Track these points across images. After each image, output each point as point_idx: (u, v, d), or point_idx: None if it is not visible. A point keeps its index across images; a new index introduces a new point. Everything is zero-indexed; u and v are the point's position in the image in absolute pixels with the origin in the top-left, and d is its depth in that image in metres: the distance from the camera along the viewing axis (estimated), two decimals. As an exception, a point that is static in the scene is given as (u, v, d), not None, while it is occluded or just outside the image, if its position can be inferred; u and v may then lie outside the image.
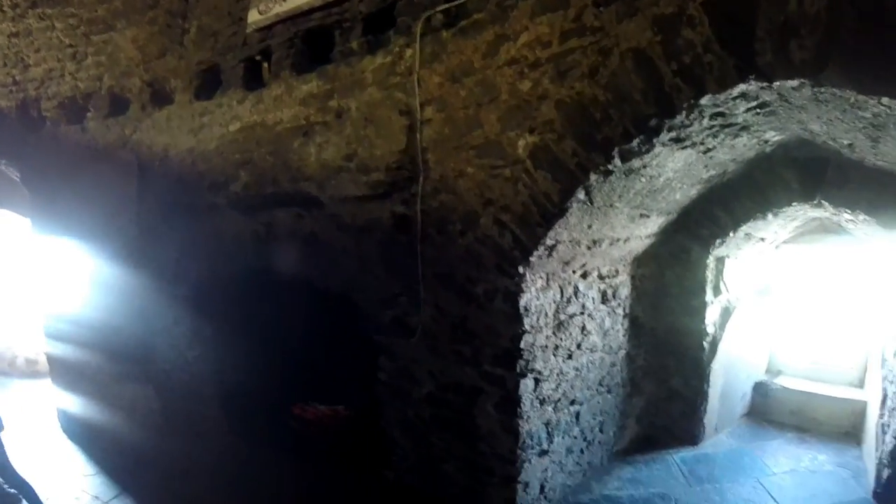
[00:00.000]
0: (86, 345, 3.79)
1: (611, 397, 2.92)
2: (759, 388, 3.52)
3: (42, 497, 2.70)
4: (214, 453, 3.28)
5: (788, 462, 2.99)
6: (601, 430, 2.87)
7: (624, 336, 2.95)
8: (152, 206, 3.41)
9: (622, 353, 2.95)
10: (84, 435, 3.85)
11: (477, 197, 2.19)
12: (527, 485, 2.36)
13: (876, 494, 2.50)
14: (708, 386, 3.05)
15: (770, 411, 3.47)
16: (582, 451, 2.74)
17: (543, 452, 2.44)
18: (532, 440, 2.35)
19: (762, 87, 1.45)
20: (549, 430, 2.46)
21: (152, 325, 3.52)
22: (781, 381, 3.53)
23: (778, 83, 1.38)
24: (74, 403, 3.96)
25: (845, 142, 1.71)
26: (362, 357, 2.84)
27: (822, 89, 1.28)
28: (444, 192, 2.30)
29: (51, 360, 4.13)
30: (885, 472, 2.35)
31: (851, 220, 2.36)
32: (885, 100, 1.17)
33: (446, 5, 2.17)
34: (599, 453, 2.90)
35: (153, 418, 3.58)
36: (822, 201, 2.31)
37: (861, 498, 2.58)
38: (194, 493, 2.97)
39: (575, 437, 2.67)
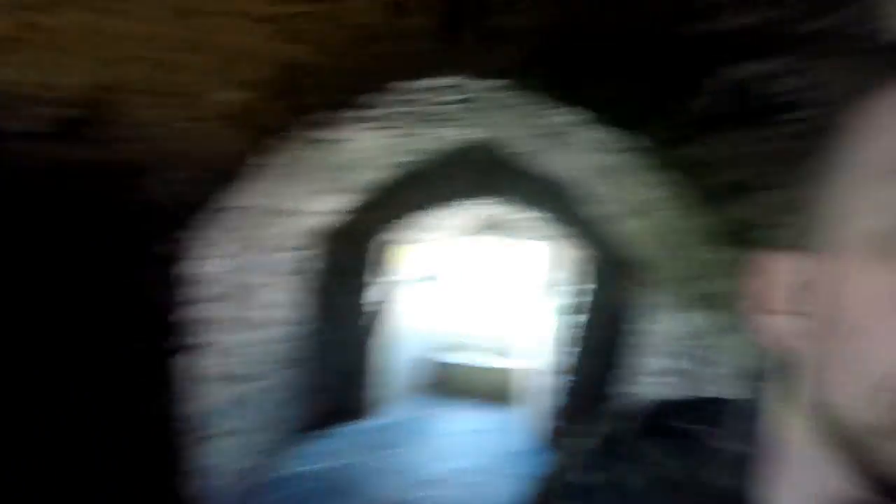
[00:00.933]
0: None
1: (291, 373, 2.88)
2: (427, 364, 4.13)
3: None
4: None
5: (458, 425, 3.58)
6: (284, 407, 2.79)
7: (302, 312, 2.98)
8: None
9: (296, 329, 2.97)
10: None
11: (167, 149, 1.86)
12: (212, 467, 2.16)
13: (532, 443, 3.07)
14: (381, 360, 3.36)
15: (439, 383, 4.11)
16: (266, 429, 2.61)
17: (226, 432, 2.25)
18: (213, 419, 2.15)
19: (464, 83, 1.61)
20: (236, 406, 2.25)
21: None
22: (448, 356, 4.24)
23: (478, 83, 1.55)
24: None
25: (523, 147, 2.18)
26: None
27: (514, 93, 1.52)
28: (133, 141, 1.87)
29: None
30: (545, 424, 2.93)
31: (518, 219, 3.02)
32: (562, 110, 1.45)
33: None
34: (283, 431, 2.83)
35: None
36: (496, 198, 2.84)
37: (518, 448, 3.24)
38: None
39: (259, 415, 2.51)
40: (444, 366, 4.24)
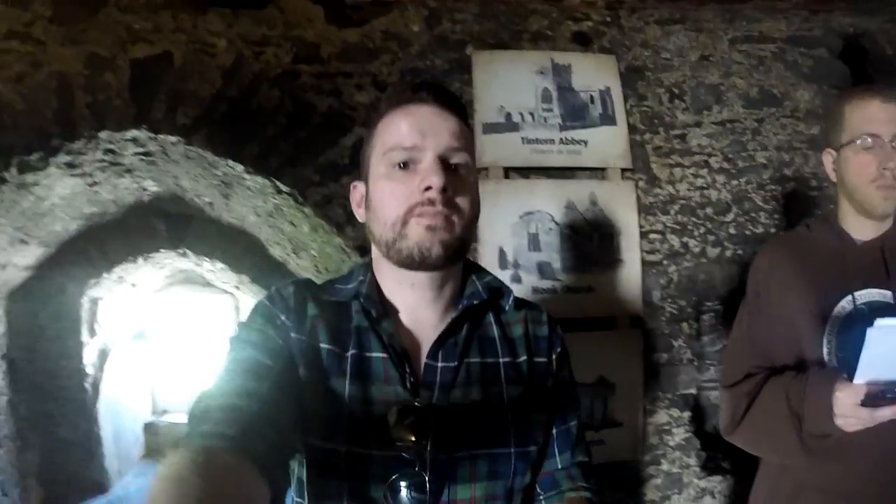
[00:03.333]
0: None
1: (3, 452, 2.51)
2: (150, 428, 3.86)
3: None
4: None
5: None
6: (4, 493, 2.40)
7: (3, 380, 2.67)
8: None
9: (4, 399, 2.64)
10: None
11: None
12: None
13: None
14: (99, 429, 3.11)
15: (164, 447, 3.84)
16: None
17: None
18: None
19: (150, 137, 1.88)
20: None
21: None
22: (169, 418, 4.01)
23: (162, 136, 1.85)
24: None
25: (207, 199, 2.47)
26: None
27: (192, 148, 1.87)
28: None
29: None
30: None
31: (211, 270, 3.21)
32: (230, 162, 1.85)
33: None
34: None
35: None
36: (187, 251, 3.00)
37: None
38: None
39: None
40: (163, 427, 4.05)
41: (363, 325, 0.73)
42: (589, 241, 1.89)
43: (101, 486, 3.13)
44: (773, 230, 2.13)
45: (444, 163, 0.70)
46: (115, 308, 3.35)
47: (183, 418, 4.02)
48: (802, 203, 2.17)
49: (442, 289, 0.75)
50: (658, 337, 2.00)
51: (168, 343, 4.17)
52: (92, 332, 3.09)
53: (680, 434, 2.00)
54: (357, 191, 0.79)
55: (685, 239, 2.05)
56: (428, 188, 0.68)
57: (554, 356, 0.82)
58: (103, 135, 1.86)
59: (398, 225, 0.69)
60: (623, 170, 1.98)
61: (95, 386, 3.13)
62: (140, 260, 2.96)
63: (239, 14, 1.90)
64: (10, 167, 1.85)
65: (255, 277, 2.92)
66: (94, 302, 3.09)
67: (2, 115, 1.82)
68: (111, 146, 1.96)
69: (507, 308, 0.80)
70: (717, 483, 2.01)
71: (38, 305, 2.87)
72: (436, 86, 0.78)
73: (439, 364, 0.73)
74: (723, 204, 2.10)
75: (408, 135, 0.71)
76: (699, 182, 2.10)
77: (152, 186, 2.42)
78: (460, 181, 0.72)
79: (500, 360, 0.77)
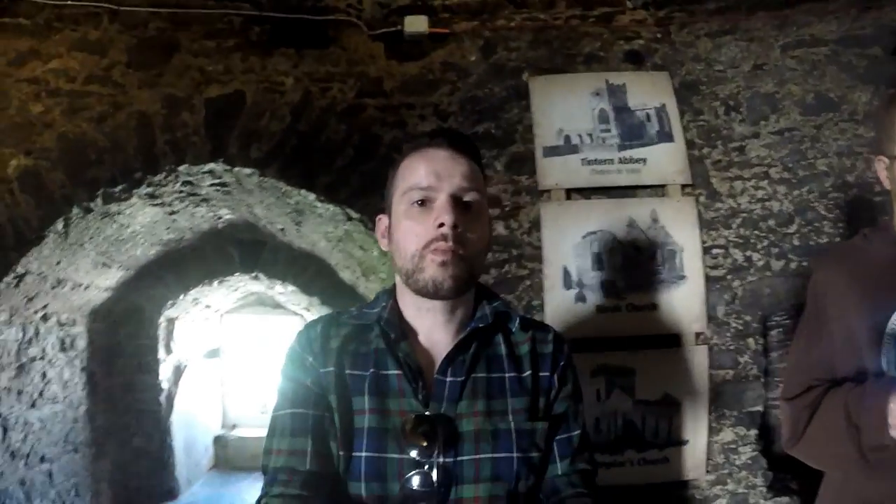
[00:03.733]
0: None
1: (79, 457, 2.70)
2: (220, 441, 4.02)
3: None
4: None
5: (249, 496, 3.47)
6: (77, 494, 2.58)
7: (83, 391, 2.86)
8: None
9: (83, 409, 2.83)
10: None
11: None
12: None
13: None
14: (171, 440, 3.27)
15: (232, 459, 3.99)
16: None
17: None
18: (11, 501, 1.95)
19: (225, 170, 2.02)
20: (26, 491, 2.08)
21: None
22: (237, 433, 4.15)
23: (237, 169, 1.98)
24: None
25: (279, 226, 2.60)
26: None
27: (266, 179, 2.00)
28: None
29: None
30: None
31: (282, 293, 3.34)
32: (303, 191, 1.97)
33: None
34: None
35: None
36: (260, 274, 3.14)
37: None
38: None
39: (53, 502, 2.32)
40: (238, 441, 4.19)
41: (381, 347, 0.83)
42: (652, 258, 1.90)
43: (170, 493, 3.29)
44: (837, 239, 2.07)
45: (457, 201, 0.80)
46: (191, 327, 3.52)
47: (251, 432, 4.18)
48: (867, 209, 2.10)
49: (454, 313, 0.85)
50: (723, 353, 1.97)
51: (239, 361, 4.33)
52: (168, 350, 3.26)
53: (746, 453, 1.96)
54: (381, 223, 0.90)
55: (748, 252, 2.02)
56: (441, 225, 0.77)
57: (557, 372, 0.89)
58: (182, 168, 2.01)
59: (416, 258, 0.79)
60: (683, 186, 1.98)
61: (170, 400, 3.30)
62: (215, 283, 3.12)
63: (303, 54, 2.02)
64: (96, 198, 2.02)
65: (324, 300, 3.02)
66: (171, 322, 3.26)
67: (87, 151, 1.99)
68: (189, 178, 2.10)
69: (514, 329, 0.88)
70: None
71: (117, 324, 3.07)
72: (451, 132, 0.90)
73: (448, 379, 0.82)
74: (785, 215, 2.07)
75: (424, 176, 0.80)
76: (760, 194, 2.07)
77: (227, 214, 2.56)
78: (471, 218, 0.81)
79: (506, 374, 0.85)
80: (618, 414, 1.87)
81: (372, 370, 0.82)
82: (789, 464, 2.01)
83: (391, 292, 0.89)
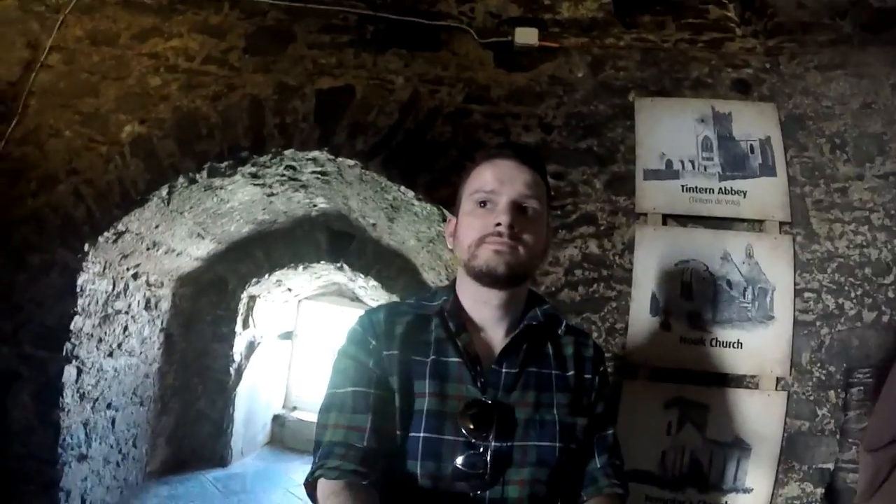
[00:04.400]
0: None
1: (143, 410, 2.88)
2: (278, 419, 4.17)
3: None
4: None
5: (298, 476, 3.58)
6: (135, 445, 2.77)
7: (159, 349, 3.03)
8: None
9: (155, 366, 3.00)
10: None
11: (64, 162, 2.06)
12: (68, 493, 2.13)
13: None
14: (234, 410, 3.42)
15: (287, 439, 4.14)
16: (118, 464, 2.61)
17: (83, 457, 2.23)
18: (72, 439, 2.10)
19: (329, 159, 2.09)
20: (88, 431, 2.25)
21: None
22: (297, 415, 4.29)
23: (341, 159, 2.05)
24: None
25: (371, 220, 2.67)
26: None
27: (367, 172, 2.06)
28: (31, 145, 2.06)
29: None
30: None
31: (363, 287, 3.40)
32: (402, 188, 2.02)
33: None
34: (134, 471, 2.84)
35: None
36: (344, 265, 3.24)
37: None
38: None
39: (111, 446, 2.50)
40: (296, 422, 4.31)
41: (441, 337, 0.90)
42: (742, 294, 1.86)
43: (222, 461, 3.44)
44: (935, 295, 1.98)
45: (517, 206, 0.88)
46: (269, 307, 3.66)
47: (309, 416, 4.30)
48: None
49: (508, 309, 0.92)
50: (802, 403, 1.90)
51: (310, 347, 4.48)
52: (245, 325, 3.42)
53: (810, 512, 1.89)
54: (451, 224, 0.99)
55: (841, 300, 1.95)
56: (498, 224, 0.86)
57: (598, 375, 0.97)
58: (288, 152, 2.10)
59: (473, 247, 0.88)
60: (781, 223, 1.93)
61: (239, 372, 3.45)
62: (300, 268, 3.24)
63: (415, 55, 2.08)
64: (202, 170, 2.15)
65: (404, 299, 3.05)
66: (252, 298, 3.42)
67: (199, 125, 2.12)
68: (293, 163, 2.19)
69: (560, 332, 0.96)
70: None
71: (201, 292, 3.24)
72: (518, 145, 1.03)
73: (504, 370, 0.89)
74: (883, 264, 1.97)
75: (490, 181, 0.90)
76: (859, 239, 1.98)
77: (322, 203, 2.66)
78: (528, 222, 0.89)
79: (553, 371, 0.92)
80: (686, 450, 1.84)
81: (433, 356, 0.88)
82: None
83: (451, 287, 0.97)
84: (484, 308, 0.92)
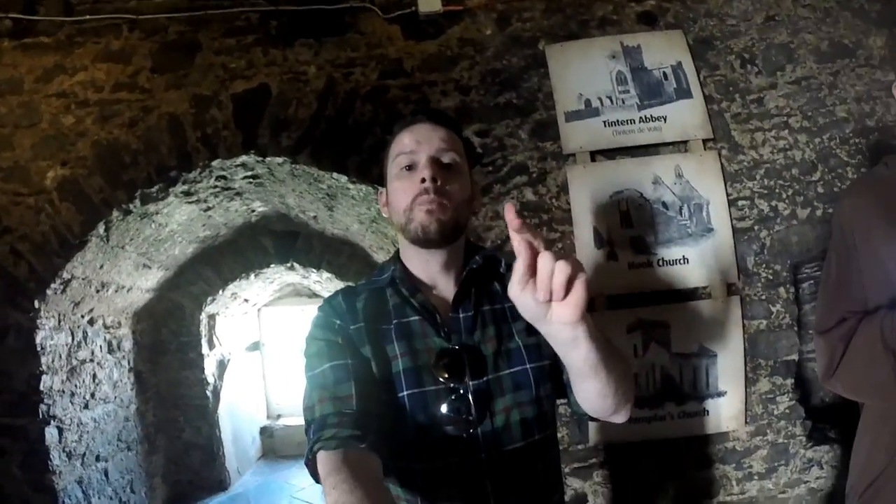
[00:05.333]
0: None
1: (132, 454, 2.82)
2: (266, 431, 4.15)
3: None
4: None
5: (308, 480, 3.59)
6: (133, 491, 2.72)
7: (132, 390, 2.98)
8: None
9: (133, 407, 2.94)
10: None
11: (10, 220, 2.00)
12: None
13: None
14: (220, 432, 3.38)
15: (279, 448, 4.13)
16: None
17: None
18: (70, 500, 2.08)
19: (258, 161, 2.07)
20: (84, 488, 2.22)
21: None
22: (283, 422, 4.28)
23: (269, 159, 2.04)
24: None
25: (311, 213, 2.66)
26: None
27: (297, 166, 2.05)
28: None
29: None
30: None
31: (318, 281, 3.41)
32: (335, 174, 2.01)
33: (20, 15, 2.04)
34: None
35: None
36: (294, 264, 3.22)
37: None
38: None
39: (110, 498, 2.49)
40: (284, 430, 4.31)
41: (398, 302, 0.97)
42: (679, 213, 1.93)
43: (221, 484, 3.41)
44: (862, 184, 2.08)
45: (437, 162, 0.94)
46: (231, 322, 3.62)
47: (295, 421, 4.30)
48: (889, 152, 2.08)
49: (451, 264, 0.99)
50: (755, 303, 1.99)
51: (279, 352, 4.46)
52: (211, 345, 3.37)
53: (784, 402, 1.99)
54: (382, 195, 1.04)
55: (774, 202, 2.04)
56: (423, 180, 0.91)
57: None
58: (216, 163, 2.08)
59: (407, 211, 0.93)
60: (704, 140, 2.01)
61: (216, 393, 3.41)
62: (252, 276, 3.21)
63: (323, 42, 2.07)
64: (135, 199, 2.11)
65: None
66: (212, 317, 3.37)
67: (121, 155, 2.07)
68: (223, 172, 2.16)
69: (502, 270, 1.02)
70: (824, 453, 1.98)
71: (160, 323, 3.18)
72: (429, 109, 1.17)
73: (461, 315, 0.96)
74: (808, 163, 2.07)
75: (408, 143, 0.95)
76: (781, 144, 2.08)
77: (260, 207, 2.63)
78: (451, 174, 0.95)
79: (505, 305, 0.98)
80: (656, 368, 1.91)
81: (395, 321, 0.95)
82: (828, 416, 2.05)
83: (396, 258, 1.03)
84: (429, 267, 0.98)
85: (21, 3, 2.11)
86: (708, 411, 1.92)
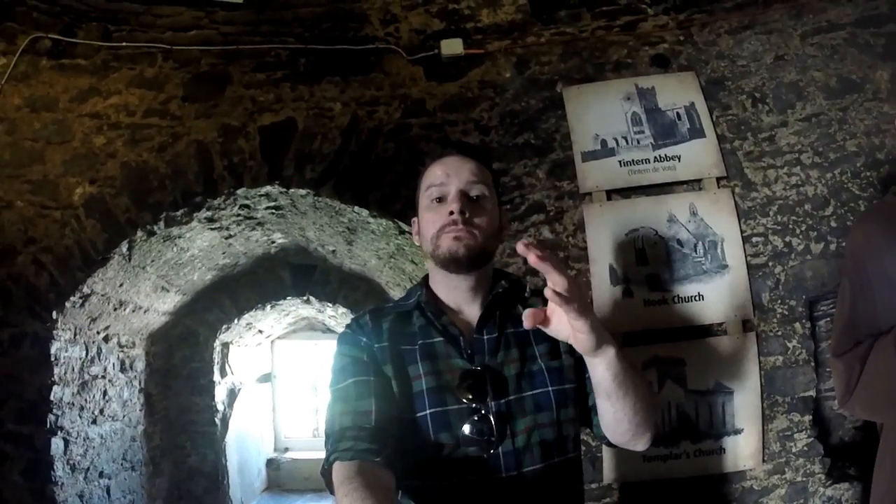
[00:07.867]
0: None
1: (136, 475, 2.81)
2: (272, 463, 4.11)
3: None
4: None
5: None
6: None
7: (141, 411, 2.98)
8: None
9: (140, 428, 2.95)
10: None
11: (20, 233, 2.05)
12: None
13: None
14: (226, 461, 3.35)
15: (284, 481, 4.07)
16: None
17: None
18: None
19: (281, 192, 2.14)
20: (84, 503, 2.18)
21: None
22: (290, 455, 4.23)
23: (293, 190, 2.09)
24: None
25: (330, 247, 2.71)
26: None
27: (320, 199, 2.11)
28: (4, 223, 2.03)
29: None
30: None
31: (333, 316, 3.40)
32: (356, 208, 2.07)
33: (60, 37, 2.14)
34: None
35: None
36: (311, 297, 3.23)
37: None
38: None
39: None
40: (290, 463, 4.24)
41: (423, 324, 0.99)
42: (694, 250, 1.96)
43: (224, 514, 3.35)
44: (874, 218, 2.08)
45: (465, 195, 0.98)
46: (244, 352, 3.63)
47: (303, 455, 4.24)
48: None
49: (477, 288, 1.02)
50: (771, 339, 1.99)
51: (290, 386, 4.44)
52: (223, 373, 3.38)
53: (802, 440, 1.96)
54: (415, 224, 1.09)
55: (788, 238, 2.05)
56: (451, 213, 0.95)
57: None
58: (240, 191, 2.15)
59: (435, 239, 0.97)
60: (718, 178, 2.05)
61: (224, 421, 3.40)
62: (267, 307, 3.22)
63: (349, 80, 2.16)
64: (159, 221, 2.17)
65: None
66: (225, 346, 3.39)
67: (149, 177, 2.15)
68: (246, 201, 2.24)
69: (527, 295, 1.05)
70: (844, 491, 1.94)
71: (173, 347, 3.21)
72: (460, 142, 1.22)
73: (485, 337, 0.98)
74: (820, 198, 2.08)
75: (439, 176, 1.00)
76: (794, 180, 2.09)
77: (280, 239, 2.69)
78: (479, 207, 0.99)
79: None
80: (671, 405, 1.91)
81: (420, 342, 0.98)
82: (847, 454, 2.02)
83: (423, 283, 1.06)
84: (456, 292, 1.02)
85: (61, 25, 2.23)
86: (724, 449, 1.90)
